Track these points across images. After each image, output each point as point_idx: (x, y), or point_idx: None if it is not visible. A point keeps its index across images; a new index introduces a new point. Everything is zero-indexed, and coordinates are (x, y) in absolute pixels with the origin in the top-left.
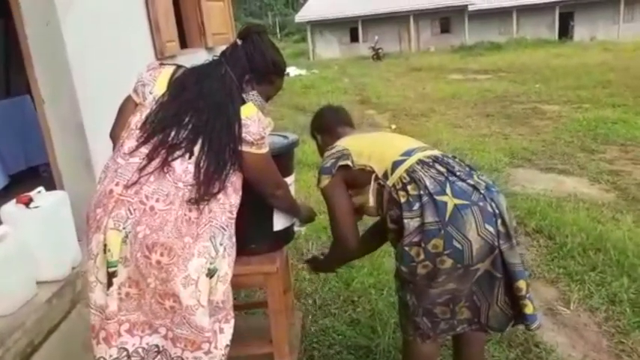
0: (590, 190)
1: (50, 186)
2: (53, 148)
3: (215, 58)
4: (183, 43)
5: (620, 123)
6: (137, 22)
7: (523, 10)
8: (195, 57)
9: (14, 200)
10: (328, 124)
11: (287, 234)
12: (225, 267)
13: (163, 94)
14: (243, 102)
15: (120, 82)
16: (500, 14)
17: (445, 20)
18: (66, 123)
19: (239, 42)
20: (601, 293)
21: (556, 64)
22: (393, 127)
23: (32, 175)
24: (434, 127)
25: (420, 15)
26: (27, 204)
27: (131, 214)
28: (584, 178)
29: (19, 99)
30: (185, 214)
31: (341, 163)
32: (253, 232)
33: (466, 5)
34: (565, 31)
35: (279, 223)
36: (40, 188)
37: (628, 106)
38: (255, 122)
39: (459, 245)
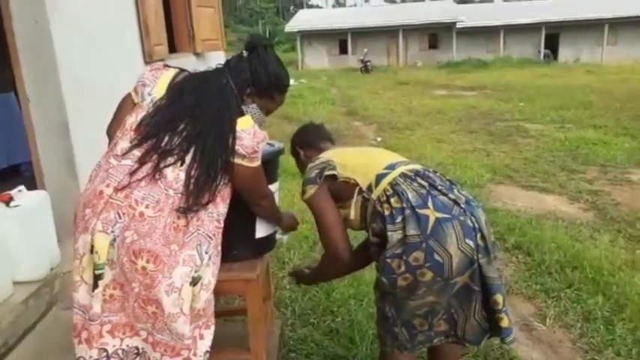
0: (569, 208)
1: (32, 185)
2: (36, 147)
3: (219, 66)
4: (172, 48)
5: (601, 144)
6: (126, 24)
7: (510, 30)
8: (184, 62)
9: None
10: (311, 139)
11: (269, 242)
12: (209, 275)
13: (162, 98)
14: (241, 114)
15: (106, 82)
16: (488, 33)
17: (433, 36)
18: (51, 122)
19: (245, 53)
20: (576, 310)
21: (540, 84)
22: (379, 139)
23: (13, 173)
24: (418, 141)
25: (409, 30)
26: (7, 202)
27: (120, 218)
28: (563, 197)
29: (4, 96)
30: (173, 222)
31: (327, 173)
32: (235, 239)
33: (454, 22)
34: (546, 55)
35: (262, 230)
36: (21, 187)
37: (609, 127)
38: (250, 135)
39: (439, 258)
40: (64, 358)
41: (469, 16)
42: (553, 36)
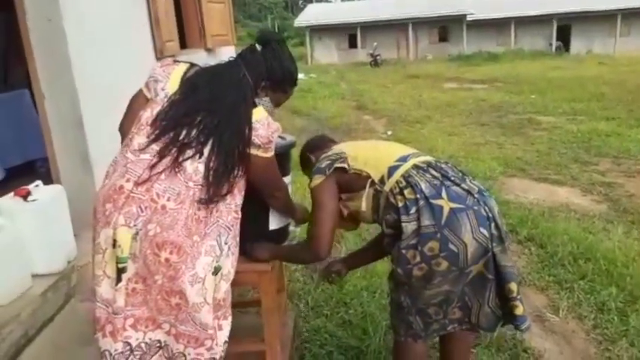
0: (582, 200)
1: (47, 180)
2: (52, 143)
3: (231, 59)
4: (183, 44)
5: (614, 136)
6: (138, 21)
7: (521, 22)
8: (195, 57)
9: (12, 193)
10: (319, 143)
11: (282, 234)
12: (229, 265)
13: (175, 92)
14: (255, 106)
15: (119, 79)
16: (499, 25)
17: (443, 29)
18: (65, 118)
19: (258, 47)
20: (590, 301)
21: (552, 76)
22: (389, 133)
23: (29, 169)
24: (429, 134)
25: (419, 23)
26: (25, 197)
27: (142, 211)
28: (576, 189)
29: (18, 93)
30: (195, 213)
31: (337, 165)
32: (249, 231)
33: (464, 15)
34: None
35: (275, 222)
36: (38, 182)
37: (621, 119)
38: (265, 126)
39: (454, 248)
40: (82, 349)
41: (479, 9)
42: (565, 28)
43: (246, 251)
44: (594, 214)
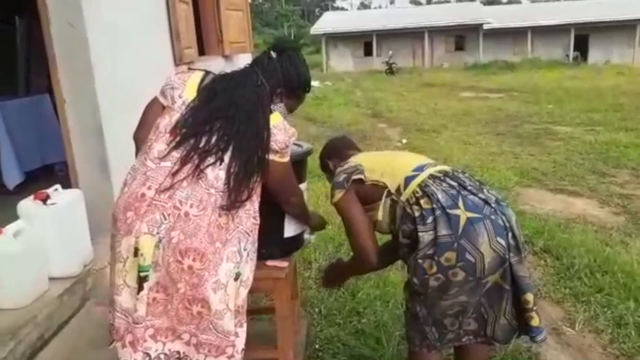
0: (599, 212)
1: (65, 185)
2: (71, 148)
3: (247, 66)
4: (201, 51)
5: (632, 147)
6: (158, 28)
7: (538, 32)
8: (213, 64)
9: (32, 196)
10: (338, 149)
11: (297, 241)
12: (248, 271)
13: (194, 99)
14: (271, 112)
15: (139, 85)
16: (515, 34)
17: (459, 38)
18: (85, 124)
19: (274, 55)
20: (607, 315)
21: (569, 86)
22: (404, 141)
23: (47, 173)
24: (444, 143)
25: (435, 31)
26: (44, 201)
27: (165, 219)
28: (593, 200)
29: (39, 98)
30: (216, 220)
31: (354, 177)
32: (264, 238)
33: (481, 24)
34: (575, 57)
35: (290, 229)
36: (57, 186)
37: None
38: (282, 131)
39: (471, 258)
40: (97, 352)
41: (496, 18)
42: (582, 37)
43: (261, 257)
44: (612, 226)
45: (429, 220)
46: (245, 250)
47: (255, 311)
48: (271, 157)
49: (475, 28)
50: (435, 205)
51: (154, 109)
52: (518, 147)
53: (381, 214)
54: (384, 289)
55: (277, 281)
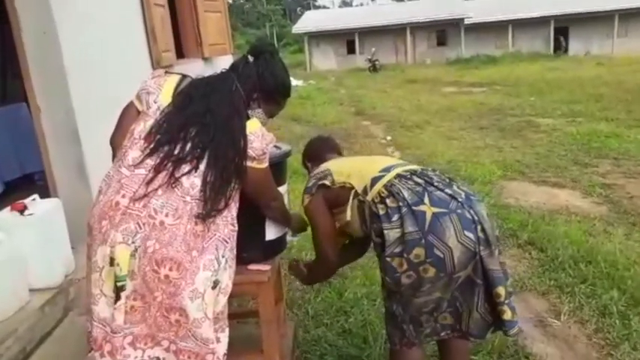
0: (582, 203)
1: (45, 194)
2: (48, 156)
3: (224, 70)
4: (180, 53)
5: (613, 137)
6: (134, 32)
7: (519, 25)
8: (192, 67)
9: (9, 207)
10: (317, 152)
11: (279, 244)
12: (227, 279)
13: (169, 105)
14: (248, 117)
15: (116, 90)
16: (496, 28)
17: (441, 33)
18: (61, 131)
19: (250, 59)
20: (591, 305)
21: (551, 78)
22: (389, 138)
23: (27, 182)
24: (428, 138)
25: (417, 27)
26: (21, 211)
27: (140, 228)
28: (576, 191)
29: (16, 106)
30: (193, 228)
31: (320, 182)
32: (245, 242)
33: (462, 18)
34: (559, 46)
35: (271, 232)
36: (35, 196)
37: (620, 119)
38: (259, 137)
39: (440, 253)
40: None
41: (477, 12)
42: (562, 29)
43: (243, 261)
44: (595, 216)
45: (395, 217)
46: (223, 257)
47: (240, 315)
48: (249, 163)
49: (456, 23)
50: (400, 204)
51: (130, 114)
52: (501, 140)
53: (349, 214)
54: (370, 287)
55: (260, 285)
